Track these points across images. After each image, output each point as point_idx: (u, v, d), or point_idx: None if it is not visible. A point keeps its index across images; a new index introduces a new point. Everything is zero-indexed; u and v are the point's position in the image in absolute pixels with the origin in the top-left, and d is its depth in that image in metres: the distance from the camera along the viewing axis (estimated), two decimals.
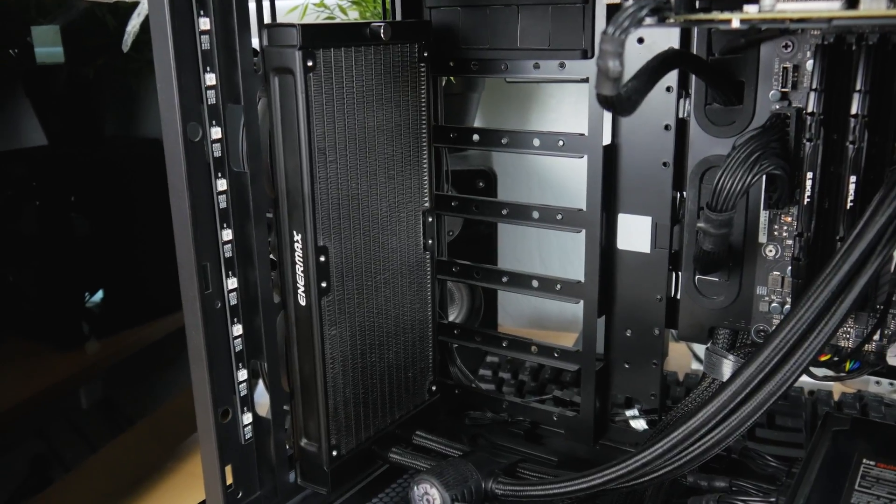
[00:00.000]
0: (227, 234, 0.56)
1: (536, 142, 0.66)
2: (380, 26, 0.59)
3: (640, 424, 0.70)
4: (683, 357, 1.01)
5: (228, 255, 0.56)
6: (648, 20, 0.42)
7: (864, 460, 0.49)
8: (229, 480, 0.60)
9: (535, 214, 0.67)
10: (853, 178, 0.51)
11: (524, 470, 0.62)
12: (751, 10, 0.42)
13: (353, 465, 0.65)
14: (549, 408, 0.73)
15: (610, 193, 0.65)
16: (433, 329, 0.71)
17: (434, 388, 0.73)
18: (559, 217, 0.66)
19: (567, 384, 0.83)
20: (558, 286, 0.68)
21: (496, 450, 0.72)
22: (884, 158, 0.52)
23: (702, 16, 0.43)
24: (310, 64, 0.55)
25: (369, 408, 0.66)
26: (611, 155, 0.64)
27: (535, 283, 0.69)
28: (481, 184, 0.94)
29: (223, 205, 0.56)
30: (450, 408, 0.77)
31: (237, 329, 0.58)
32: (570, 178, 1.11)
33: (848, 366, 0.57)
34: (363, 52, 0.59)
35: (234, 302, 0.57)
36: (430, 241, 0.69)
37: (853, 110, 0.50)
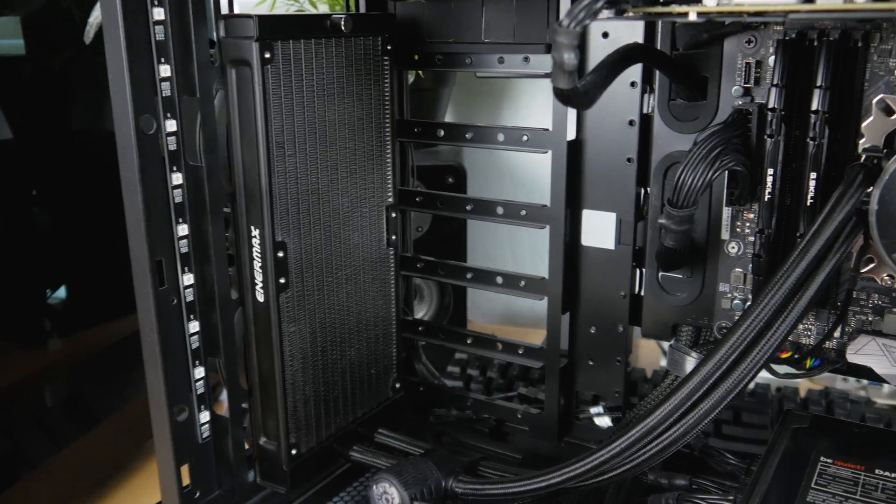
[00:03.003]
0: (182, 229, 0.55)
1: (501, 137, 0.65)
2: (340, 18, 0.58)
3: (604, 422, 0.69)
4: (653, 353, 1.01)
5: (184, 250, 0.55)
6: (605, 12, 0.42)
7: (822, 458, 0.49)
8: (186, 480, 0.59)
9: (500, 210, 0.67)
10: (813, 175, 0.51)
11: (486, 468, 0.62)
12: (708, 4, 0.41)
13: (314, 464, 0.64)
14: (513, 405, 0.72)
15: (574, 189, 0.65)
16: (397, 326, 0.71)
17: (398, 385, 0.72)
18: (523, 213, 0.66)
19: (535, 381, 0.83)
20: (522, 283, 0.67)
21: (460, 447, 0.71)
22: (845, 155, 0.52)
23: (659, 9, 0.43)
24: (267, 56, 0.54)
25: (330, 406, 0.65)
26: (575, 150, 0.64)
27: (499, 280, 0.68)
28: (450, 179, 0.93)
29: (179, 199, 0.55)
30: (415, 405, 0.76)
31: (194, 326, 0.57)
32: (542, 174, 1.10)
33: (809, 363, 0.56)
34: (323, 45, 0.58)
35: (190, 298, 0.56)
36: (393, 237, 0.68)
37: (814, 106, 0.50)
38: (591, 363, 0.69)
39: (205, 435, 0.59)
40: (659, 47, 0.58)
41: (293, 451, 0.61)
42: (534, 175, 1.11)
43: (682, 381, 0.48)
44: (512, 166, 1.11)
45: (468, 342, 0.72)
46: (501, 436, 0.73)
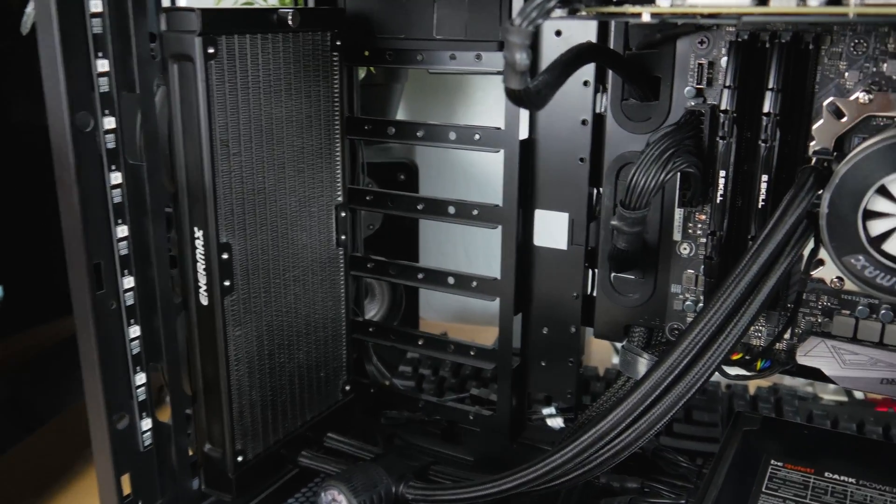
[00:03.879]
0: (122, 231, 0.53)
1: (453, 135, 0.64)
2: (287, 13, 0.56)
3: (556, 423, 0.69)
4: (605, 351, 1.01)
5: (124, 252, 0.53)
6: (558, 11, 0.41)
7: (773, 461, 0.49)
8: (127, 490, 0.57)
9: (452, 210, 0.66)
10: (764, 178, 0.51)
11: (437, 472, 0.61)
12: (662, 4, 0.41)
13: (261, 471, 0.62)
14: (465, 407, 0.71)
15: (527, 189, 0.64)
16: (347, 327, 0.69)
17: (348, 387, 0.70)
18: (475, 213, 0.65)
19: (487, 381, 0.82)
20: (474, 283, 0.66)
21: (412, 450, 0.70)
22: (796, 157, 0.52)
23: (613, 9, 0.42)
24: (211, 51, 0.52)
25: (278, 410, 0.63)
26: (527, 149, 0.63)
27: (451, 280, 0.67)
28: (402, 177, 0.92)
29: (118, 199, 0.53)
30: (366, 407, 0.75)
31: (134, 331, 0.55)
32: (494, 172, 1.09)
33: (759, 365, 0.56)
34: (270, 40, 0.56)
35: (130, 302, 0.54)
36: (343, 237, 0.66)
37: (765, 108, 0.50)
38: (543, 364, 0.68)
39: (146, 443, 0.57)
40: (612, 46, 0.58)
41: (239, 458, 0.60)
42: (487, 173, 1.10)
43: (634, 386, 0.47)
44: (465, 164, 1.10)
45: (419, 343, 0.71)
46: (454, 437, 0.72)
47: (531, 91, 0.42)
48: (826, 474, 0.48)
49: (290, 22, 0.56)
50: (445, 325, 1.14)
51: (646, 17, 0.41)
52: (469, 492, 0.54)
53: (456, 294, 0.68)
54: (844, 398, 0.87)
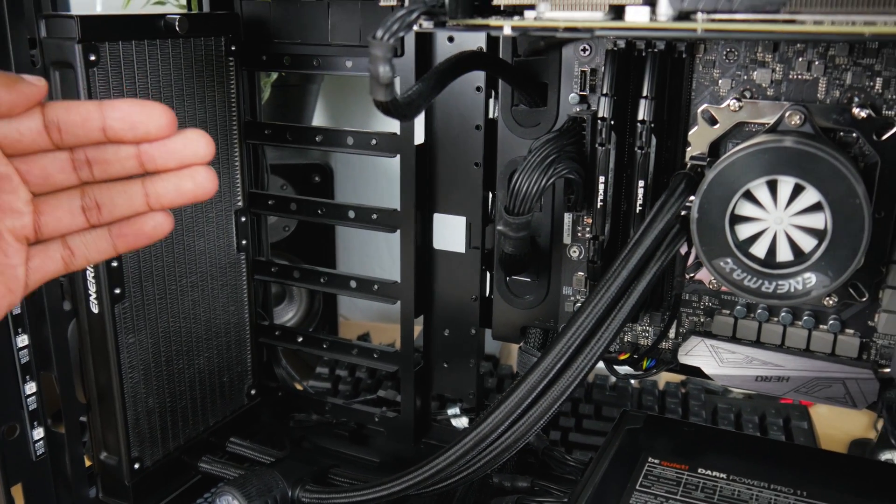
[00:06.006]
0: None
1: (350, 140, 0.65)
2: (175, 19, 0.56)
3: (461, 423, 0.70)
4: None
5: None
6: (425, 24, 0.41)
7: (650, 459, 0.50)
8: (21, 501, 0.56)
9: (351, 214, 0.66)
10: (641, 183, 0.52)
11: (337, 475, 0.61)
12: (527, 18, 0.42)
13: (160, 478, 0.62)
14: (370, 409, 0.72)
15: (425, 193, 0.64)
16: (252, 331, 0.69)
17: (253, 392, 0.71)
18: (374, 217, 0.65)
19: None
20: (375, 287, 0.67)
21: (320, 453, 0.70)
22: (675, 163, 0.54)
23: (478, 20, 0.43)
24: (92, 58, 0.51)
25: (178, 416, 0.63)
26: (424, 154, 0.63)
27: (353, 284, 0.68)
28: (317, 178, 0.92)
29: None
30: (274, 411, 0.75)
31: (22, 339, 0.55)
32: None
33: (645, 364, 0.58)
34: (158, 46, 0.56)
35: (17, 311, 0.54)
36: (244, 242, 0.66)
37: (640, 116, 0.51)
38: (445, 365, 0.69)
39: (39, 452, 0.57)
40: (501, 53, 0.58)
41: (136, 466, 0.60)
42: None
43: (511, 390, 0.48)
44: (385, 166, 1.10)
45: (324, 346, 0.71)
46: (362, 439, 0.73)
47: (399, 102, 0.42)
48: (699, 470, 0.49)
49: (177, 28, 0.56)
50: (370, 324, 1.14)
51: (507, 31, 0.41)
52: (360, 495, 0.54)
53: (358, 297, 0.68)
54: (753, 391, 0.89)
